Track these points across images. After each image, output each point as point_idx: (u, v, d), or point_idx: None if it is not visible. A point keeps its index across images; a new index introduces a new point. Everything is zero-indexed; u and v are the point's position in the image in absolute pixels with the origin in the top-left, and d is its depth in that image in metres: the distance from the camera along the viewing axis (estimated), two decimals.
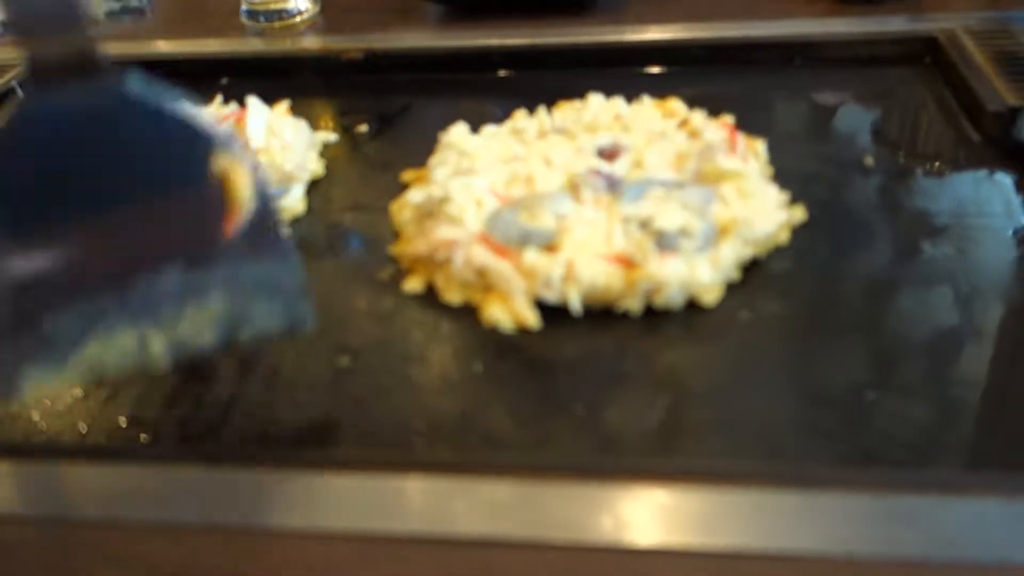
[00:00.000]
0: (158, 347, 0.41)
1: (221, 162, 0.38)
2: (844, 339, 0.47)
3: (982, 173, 0.60)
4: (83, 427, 0.46)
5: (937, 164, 0.62)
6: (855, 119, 0.69)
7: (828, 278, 0.52)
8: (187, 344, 0.41)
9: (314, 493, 0.40)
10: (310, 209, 0.64)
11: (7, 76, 0.84)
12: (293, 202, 0.63)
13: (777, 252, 0.54)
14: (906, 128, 0.68)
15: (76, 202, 0.37)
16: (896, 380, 0.44)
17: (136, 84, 0.37)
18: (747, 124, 0.63)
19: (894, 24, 0.77)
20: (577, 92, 0.69)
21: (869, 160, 0.62)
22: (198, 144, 0.38)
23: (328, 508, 0.39)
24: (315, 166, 0.67)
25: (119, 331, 0.40)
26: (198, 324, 0.41)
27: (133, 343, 0.40)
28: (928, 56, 0.74)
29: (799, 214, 0.56)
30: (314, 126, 0.73)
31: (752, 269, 0.53)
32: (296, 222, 0.62)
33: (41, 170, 0.36)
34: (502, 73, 0.82)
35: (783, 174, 0.60)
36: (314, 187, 0.66)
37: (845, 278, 0.51)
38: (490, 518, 0.38)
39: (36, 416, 0.46)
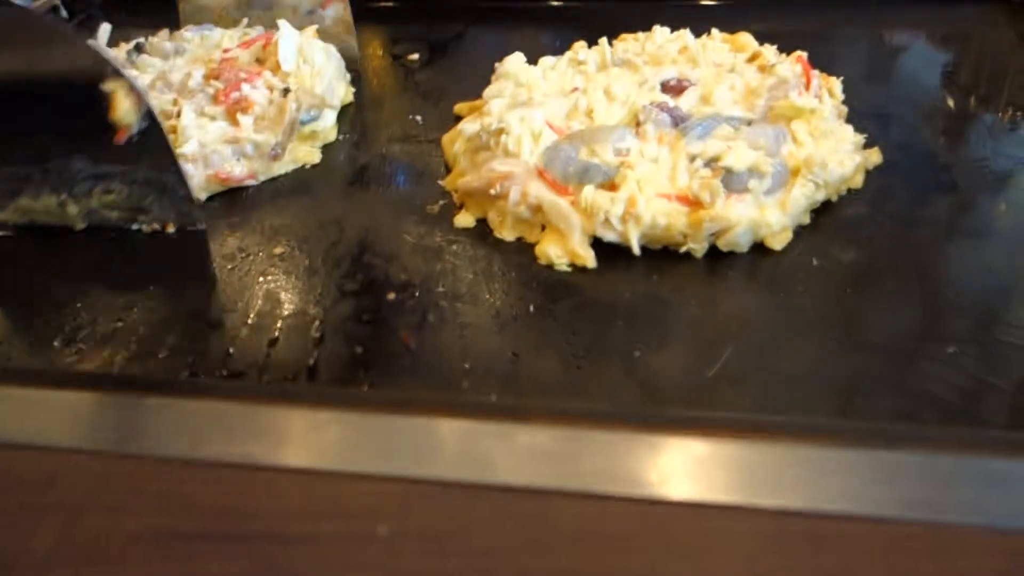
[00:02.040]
0: (73, 211, 0.54)
1: (111, 84, 0.49)
2: (917, 290, 0.44)
3: None
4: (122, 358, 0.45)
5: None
6: (934, 59, 0.65)
7: (903, 225, 0.49)
8: (98, 216, 0.55)
9: (349, 433, 0.39)
10: (359, 138, 0.62)
11: None
12: (324, 128, 0.61)
13: (850, 195, 0.51)
14: (991, 70, 0.63)
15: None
16: (973, 335, 0.41)
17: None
18: (818, 62, 0.59)
19: None
20: (637, 24, 0.65)
21: (950, 103, 0.58)
22: (95, 67, 0.49)
23: (364, 449, 0.38)
24: (344, 93, 0.65)
25: (43, 194, 0.54)
26: (105, 203, 0.54)
27: (54, 204, 0.54)
28: None
29: (875, 157, 0.53)
30: (363, 52, 0.71)
31: (823, 212, 0.50)
32: (329, 148, 0.61)
33: None
34: (559, 3, 0.79)
35: (858, 115, 0.56)
36: (359, 115, 0.64)
37: (921, 226, 0.48)
38: (527, 466, 0.37)
39: (79, 338, 0.45)
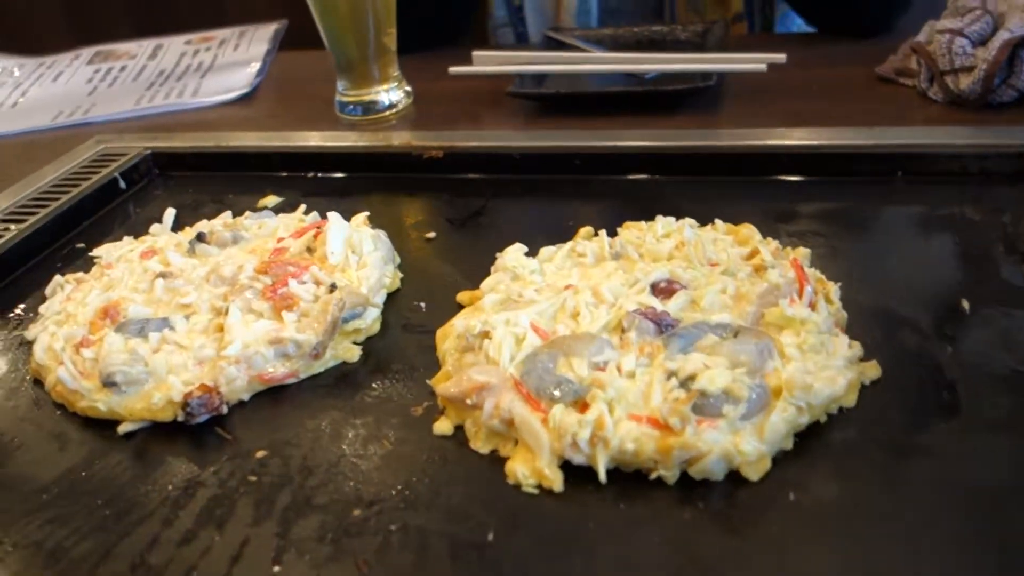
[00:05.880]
0: None
1: None
2: (900, 538, 0.41)
3: None
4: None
5: None
6: (960, 246, 0.62)
7: (895, 454, 0.45)
8: None
9: None
10: (387, 325, 0.62)
11: (114, 166, 0.88)
12: (366, 324, 0.61)
13: (841, 415, 0.48)
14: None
15: None
16: None
17: None
18: (833, 250, 0.57)
19: (1016, 136, 0.69)
20: (658, 197, 0.66)
21: (965, 304, 0.55)
22: None
23: None
24: (390, 280, 0.65)
25: None
26: None
27: None
28: None
29: (872, 371, 0.50)
30: (396, 224, 0.72)
31: (811, 434, 0.47)
32: (371, 340, 0.61)
33: None
34: (582, 176, 0.79)
35: (863, 317, 0.54)
36: (391, 299, 0.65)
37: (915, 456, 0.45)
38: None
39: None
